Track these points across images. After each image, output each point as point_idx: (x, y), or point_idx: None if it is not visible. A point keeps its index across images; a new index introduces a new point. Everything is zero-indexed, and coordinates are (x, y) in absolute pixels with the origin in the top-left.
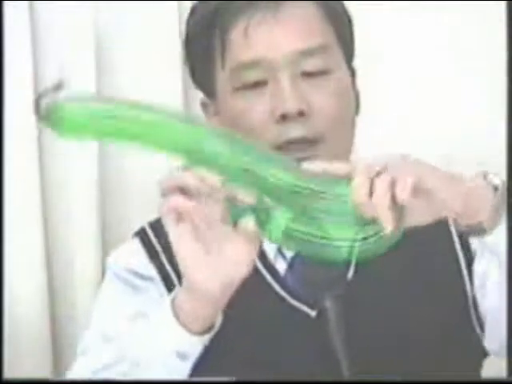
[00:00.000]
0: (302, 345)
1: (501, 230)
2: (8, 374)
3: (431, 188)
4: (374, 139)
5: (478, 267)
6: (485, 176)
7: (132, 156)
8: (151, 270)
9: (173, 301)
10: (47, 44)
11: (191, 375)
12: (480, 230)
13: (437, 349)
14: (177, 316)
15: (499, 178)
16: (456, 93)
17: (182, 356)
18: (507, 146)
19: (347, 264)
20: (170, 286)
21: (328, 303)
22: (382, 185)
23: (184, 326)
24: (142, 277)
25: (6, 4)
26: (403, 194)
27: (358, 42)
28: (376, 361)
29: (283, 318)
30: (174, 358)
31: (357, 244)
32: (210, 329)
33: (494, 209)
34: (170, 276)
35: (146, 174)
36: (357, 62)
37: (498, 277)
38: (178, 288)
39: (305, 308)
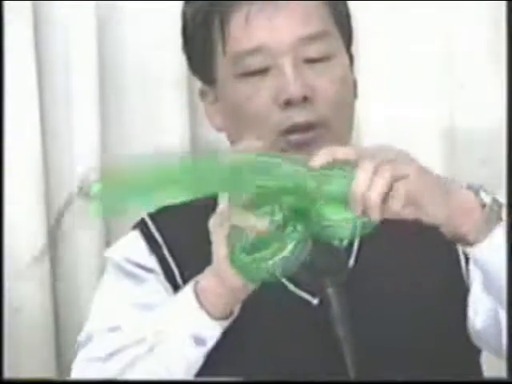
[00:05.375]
0: (304, 333)
1: (486, 246)
2: (11, 373)
3: (421, 202)
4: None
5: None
6: (477, 192)
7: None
8: (152, 262)
9: (195, 285)
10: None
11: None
12: (464, 241)
13: (438, 334)
14: (199, 300)
15: (491, 196)
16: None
17: (200, 341)
18: (507, 145)
19: (348, 251)
20: (170, 278)
21: (330, 291)
22: (380, 184)
23: (205, 310)
24: (144, 268)
25: (8, 3)
26: (395, 205)
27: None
28: (379, 349)
29: (285, 306)
30: (191, 342)
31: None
32: (229, 315)
33: (478, 224)
34: (171, 268)
35: None
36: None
37: (480, 292)
38: (202, 274)
39: (306, 296)
